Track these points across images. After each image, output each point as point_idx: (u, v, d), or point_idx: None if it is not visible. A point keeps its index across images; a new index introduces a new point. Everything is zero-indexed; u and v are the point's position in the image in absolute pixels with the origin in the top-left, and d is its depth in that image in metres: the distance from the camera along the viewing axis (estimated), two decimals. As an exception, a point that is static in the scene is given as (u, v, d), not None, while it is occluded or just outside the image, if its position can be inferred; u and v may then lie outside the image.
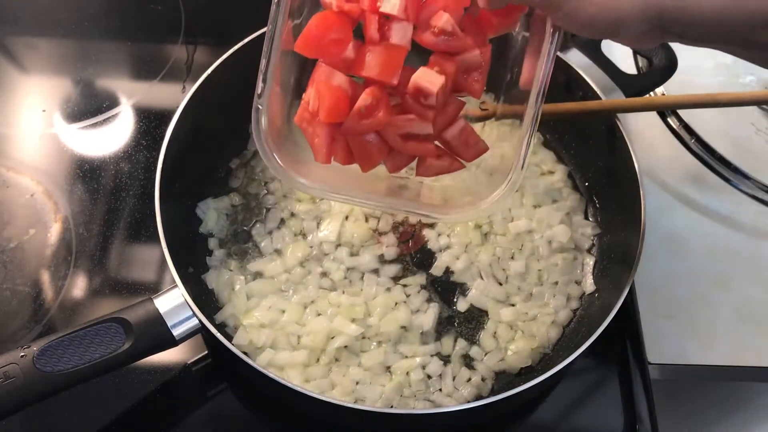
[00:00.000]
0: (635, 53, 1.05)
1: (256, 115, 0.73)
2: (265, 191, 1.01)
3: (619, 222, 0.96)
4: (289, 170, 0.75)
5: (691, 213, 1.03)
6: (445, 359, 0.90)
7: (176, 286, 0.79)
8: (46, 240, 0.99)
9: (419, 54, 0.74)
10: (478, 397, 0.87)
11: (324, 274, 0.94)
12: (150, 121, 1.11)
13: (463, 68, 0.75)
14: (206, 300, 0.92)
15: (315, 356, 0.88)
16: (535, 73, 0.70)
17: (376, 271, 0.95)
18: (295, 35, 0.73)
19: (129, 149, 1.08)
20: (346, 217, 0.98)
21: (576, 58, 0.99)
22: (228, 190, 1.01)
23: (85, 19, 1.23)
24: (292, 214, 0.99)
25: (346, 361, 0.88)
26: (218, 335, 0.77)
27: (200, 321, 0.78)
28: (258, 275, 0.94)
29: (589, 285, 0.96)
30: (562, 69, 0.97)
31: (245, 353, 0.79)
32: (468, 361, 0.90)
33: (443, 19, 0.71)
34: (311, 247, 0.96)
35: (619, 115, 0.94)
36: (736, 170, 1.01)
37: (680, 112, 1.05)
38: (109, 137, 1.10)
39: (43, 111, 1.12)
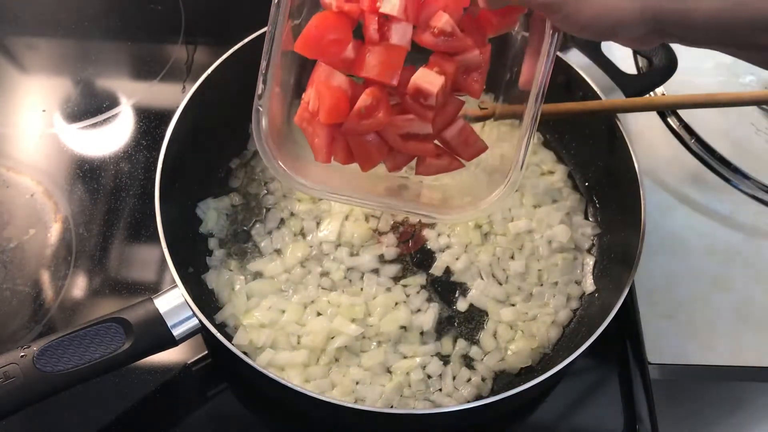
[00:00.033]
0: (635, 53, 1.05)
1: (256, 117, 0.73)
2: (265, 191, 1.01)
3: (619, 222, 0.96)
4: (290, 171, 0.75)
5: (691, 213, 1.03)
6: (445, 359, 0.90)
7: (176, 286, 0.79)
8: (46, 240, 0.99)
9: (419, 52, 0.74)
10: (478, 397, 0.87)
11: (324, 274, 0.94)
12: (150, 121, 1.11)
13: (462, 68, 0.75)
14: (206, 300, 0.92)
15: (315, 356, 0.88)
16: (535, 73, 0.70)
17: (376, 271, 0.95)
18: (295, 35, 0.73)
19: (129, 149, 1.08)
20: (346, 217, 0.98)
21: (576, 58, 0.99)
22: (228, 190, 1.01)
23: (85, 19, 1.23)
24: (292, 214, 0.99)
25: (346, 361, 0.88)
26: (218, 335, 0.77)
27: (200, 321, 0.78)
28: (258, 275, 0.94)
29: (589, 285, 0.96)
30: (562, 69, 0.97)
31: (245, 353, 0.79)
32: (468, 361, 0.90)
33: (443, 20, 0.71)
34: (311, 247, 0.96)
35: (619, 115, 0.94)
36: (736, 170, 1.01)
37: (680, 112, 1.05)
38: (109, 137, 1.10)
39: (43, 111, 1.12)
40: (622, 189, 0.93)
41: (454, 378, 0.88)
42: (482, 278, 0.95)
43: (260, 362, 0.86)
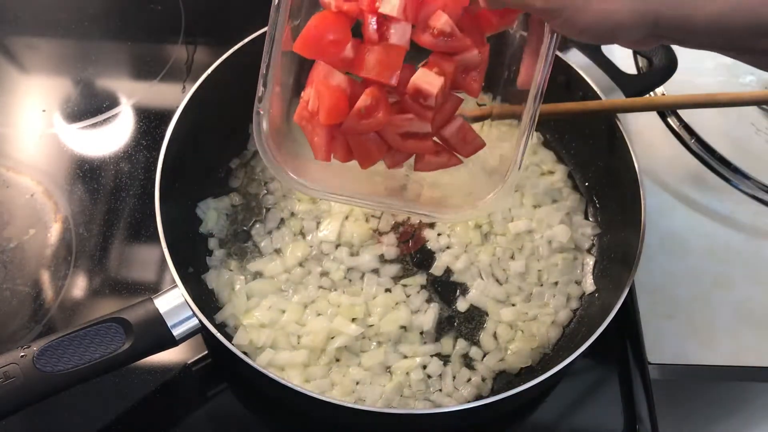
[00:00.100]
0: (635, 53, 1.05)
1: (257, 119, 0.73)
2: (265, 191, 1.01)
3: (619, 222, 0.96)
4: (291, 172, 0.75)
5: (691, 213, 1.03)
6: (445, 359, 0.90)
7: (176, 286, 0.79)
8: (46, 240, 0.99)
9: (418, 49, 0.74)
10: (478, 397, 0.87)
11: (324, 274, 0.94)
12: (150, 121, 1.11)
13: (461, 67, 0.75)
14: (206, 300, 0.92)
15: (315, 356, 0.88)
16: (534, 73, 0.70)
17: (376, 271, 0.95)
18: (294, 35, 0.73)
19: (129, 149, 1.08)
20: (346, 217, 0.98)
21: (576, 58, 0.99)
22: (228, 190, 1.01)
23: (85, 19, 1.23)
24: (292, 214, 0.99)
25: (346, 361, 0.88)
26: (218, 335, 0.77)
27: (200, 321, 0.78)
28: (258, 275, 0.94)
29: (589, 285, 0.96)
30: (562, 69, 0.97)
31: (245, 353, 0.79)
32: (468, 361, 0.90)
33: (442, 20, 0.71)
34: (311, 247, 0.96)
35: (619, 115, 0.94)
36: (736, 170, 1.01)
37: (680, 112, 1.04)
38: (109, 137, 1.10)
39: (43, 111, 1.12)
40: (622, 189, 0.93)
41: (454, 378, 0.88)
42: (482, 278, 0.95)
43: (260, 362, 0.86)
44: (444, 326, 0.93)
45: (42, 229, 1.00)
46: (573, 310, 0.95)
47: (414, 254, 0.98)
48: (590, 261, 0.98)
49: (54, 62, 1.19)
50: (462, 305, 0.94)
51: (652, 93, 1.01)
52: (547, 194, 1.02)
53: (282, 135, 0.77)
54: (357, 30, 0.73)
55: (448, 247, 0.97)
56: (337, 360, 0.88)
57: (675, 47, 0.94)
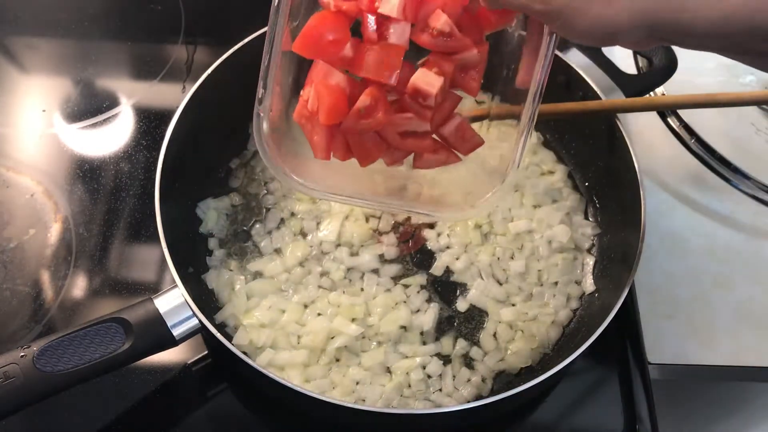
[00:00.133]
0: (635, 53, 1.05)
1: (257, 121, 0.73)
2: (265, 191, 1.01)
3: (619, 222, 0.96)
4: (291, 173, 0.75)
5: (691, 213, 1.03)
6: (445, 359, 0.90)
7: (176, 286, 0.79)
8: (46, 240, 0.99)
9: (417, 47, 0.74)
10: (478, 397, 0.87)
11: (324, 274, 0.94)
12: (150, 121, 1.11)
13: (460, 66, 0.75)
14: (206, 300, 0.92)
15: (315, 356, 0.88)
16: (533, 73, 0.70)
17: (376, 271, 0.95)
18: (293, 35, 0.73)
19: (129, 149, 1.08)
20: (346, 217, 0.98)
21: (576, 58, 0.99)
22: (228, 190, 1.01)
23: (85, 19, 1.23)
24: (292, 214, 0.99)
25: (346, 361, 0.88)
26: (218, 335, 0.77)
27: (200, 321, 0.78)
28: (258, 275, 0.94)
29: (589, 285, 0.96)
30: (562, 69, 0.97)
31: (245, 353, 0.79)
32: (468, 361, 0.90)
33: (441, 20, 0.71)
34: (311, 246, 0.96)
35: (619, 115, 0.94)
36: (736, 170, 1.01)
37: (680, 112, 1.04)
38: (109, 137, 1.10)
39: (43, 111, 1.12)
40: (622, 189, 0.93)
41: (454, 378, 0.88)
42: (482, 278, 0.95)
43: (260, 362, 0.86)
44: (444, 326, 0.93)
45: (42, 229, 1.00)
46: (573, 310, 0.95)
47: (414, 254, 0.98)
48: (590, 261, 0.98)
49: (54, 62, 1.19)
50: (462, 305, 0.94)
51: (652, 93, 1.01)
52: (547, 194, 1.02)
53: (281, 134, 0.77)
54: (356, 29, 0.73)
55: (448, 247, 0.97)
56: (337, 360, 0.88)
57: (675, 47, 0.94)
